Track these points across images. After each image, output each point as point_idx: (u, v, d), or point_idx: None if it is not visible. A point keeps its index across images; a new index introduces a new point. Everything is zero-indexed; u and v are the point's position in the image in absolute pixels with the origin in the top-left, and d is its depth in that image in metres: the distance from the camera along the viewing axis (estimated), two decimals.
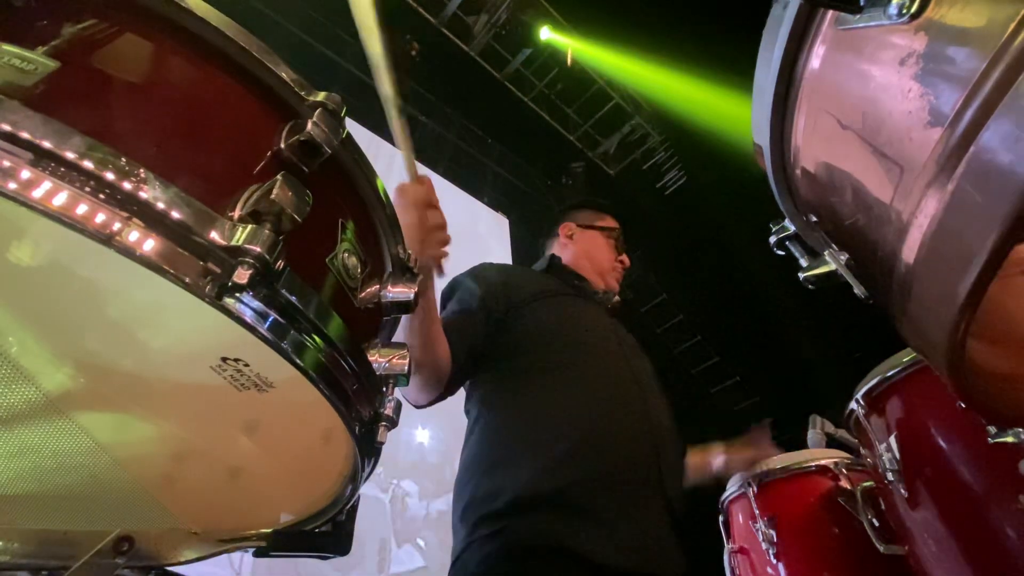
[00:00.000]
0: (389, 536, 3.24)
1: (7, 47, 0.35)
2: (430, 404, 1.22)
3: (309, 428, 0.59)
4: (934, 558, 0.95)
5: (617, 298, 1.66)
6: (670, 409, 1.38)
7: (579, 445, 1.13)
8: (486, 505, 1.08)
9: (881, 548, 1.08)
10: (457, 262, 1.53)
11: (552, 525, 1.02)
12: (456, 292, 1.39)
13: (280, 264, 0.41)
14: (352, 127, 0.49)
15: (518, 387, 1.25)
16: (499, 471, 1.13)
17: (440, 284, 1.42)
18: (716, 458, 1.56)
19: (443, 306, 1.38)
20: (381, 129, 4.68)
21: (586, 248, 1.70)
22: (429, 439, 3.72)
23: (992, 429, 0.78)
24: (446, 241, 1.01)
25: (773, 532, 1.38)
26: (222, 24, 0.44)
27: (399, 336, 0.73)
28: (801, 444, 1.50)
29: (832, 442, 1.41)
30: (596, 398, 1.23)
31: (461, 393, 1.37)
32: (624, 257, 1.73)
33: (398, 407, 0.57)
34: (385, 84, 0.87)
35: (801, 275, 0.48)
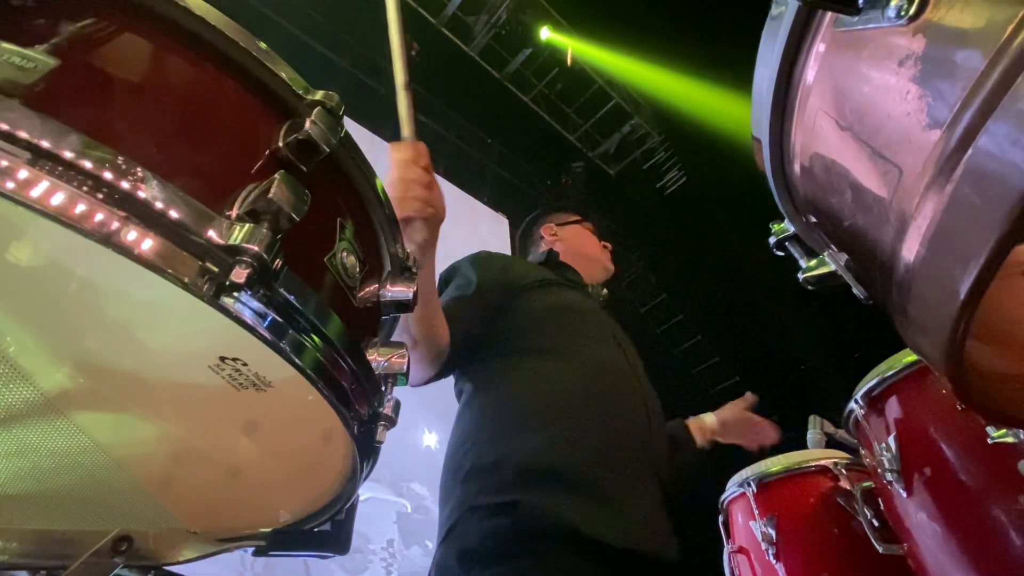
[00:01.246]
0: (396, 538, 3.24)
1: (6, 45, 0.35)
2: (425, 383, 1.23)
3: (308, 427, 0.59)
4: (933, 558, 0.95)
5: (605, 291, 1.72)
6: (657, 398, 1.41)
7: (579, 422, 1.14)
8: (488, 474, 1.08)
9: (880, 548, 1.08)
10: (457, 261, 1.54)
11: (558, 502, 1.02)
12: (455, 277, 1.42)
13: (278, 263, 0.41)
14: (351, 126, 0.49)
15: (516, 366, 1.26)
16: (499, 443, 1.13)
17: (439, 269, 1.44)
18: (708, 420, 1.68)
19: (441, 290, 1.40)
20: (380, 128, 4.68)
21: (574, 241, 1.78)
22: (436, 442, 3.71)
23: (992, 429, 0.78)
24: (424, 197, 0.99)
25: (773, 532, 1.38)
26: (221, 23, 0.44)
27: (398, 333, 0.73)
28: (801, 444, 1.50)
29: (832, 442, 1.41)
30: (593, 379, 1.25)
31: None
32: (606, 242, 1.83)
33: (397, 406, 0.57)
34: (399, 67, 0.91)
35: (801, 276, 0.48)
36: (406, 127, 1.01)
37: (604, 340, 1.39)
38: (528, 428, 1.14)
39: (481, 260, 1.48)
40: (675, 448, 1.50)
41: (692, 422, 1.66)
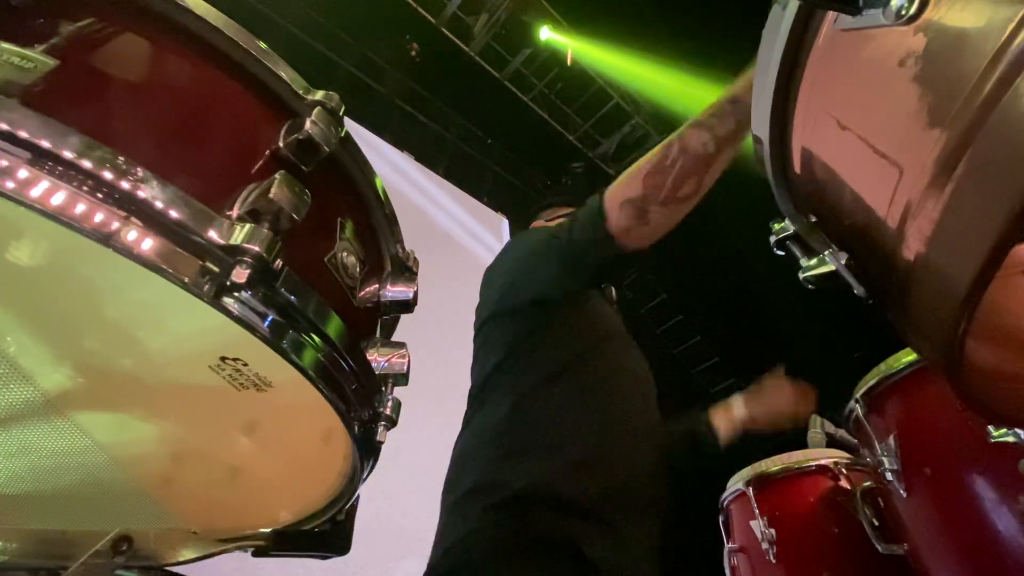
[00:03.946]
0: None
1: (6, 45, 0.35)
2: (638, 249, 1.06)
3: (308, 428, 0.59)
4: (934, 558, 0.95)
5: (615, 295, 1.69)
6: (663, 424, 1.36)
7: (599, 451, 1.11)
8: (499, 492, 1.06)
9: (880, 548, 1.08)
10: (456, 262, 1.54)
11: (569, 528, 1.00)
12: (507, 262, 1.35)
13: (278, 263, 0.41)
14: (351, 126, 0.49)
15: (542, 381, 1.21)
16: (515, 459, 1.09)
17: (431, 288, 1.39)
18: (738, 411, 1.51)
19: (494, 284, 1.33)
20: (380, 129, 4.68)
21: None
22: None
23: (992, 429, 0.78)
24: None
25: (773, 532, 1.38)
26: (221, 23, 0.44)
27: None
28: (801, 444, 1.50)
29: (832, 442, 1.41)
30: (616, 404, 1.19)
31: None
32: None
33: (397, 406, 0.57)
34: None
35: (801, 275, 0.48)
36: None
37: (618, 352, 1.34)
38: (542, 452, 1.08)
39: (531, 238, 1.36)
40: (692, 446, 1.44)
41: (719, 413, 1.50)
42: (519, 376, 1.24)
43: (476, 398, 1.32)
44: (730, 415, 1.50)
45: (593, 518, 1.02)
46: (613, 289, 1.65)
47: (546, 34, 5.63)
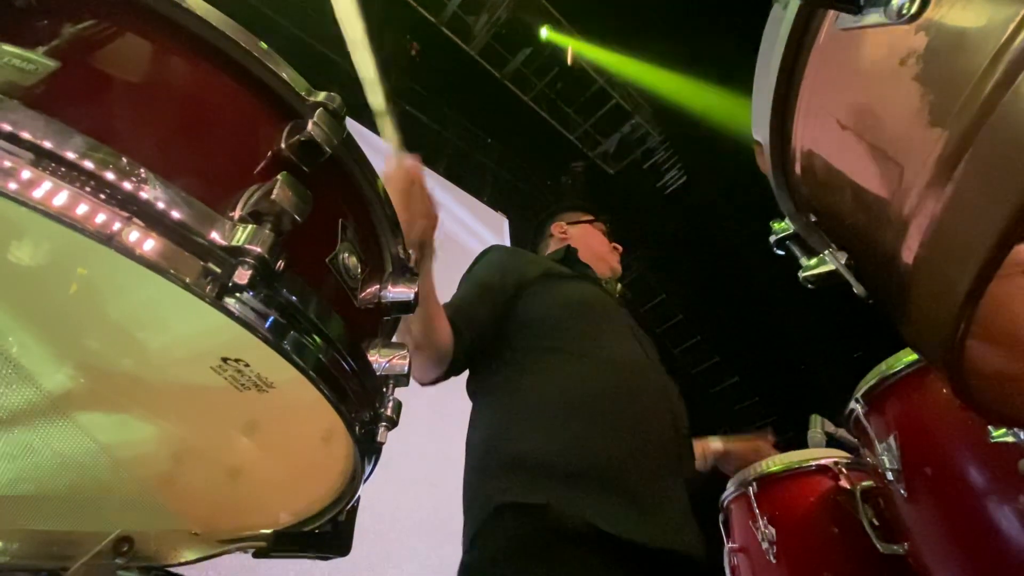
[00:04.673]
0: None
1: (7, 47, 0.35)
2: (434, 383, 1.22)
3: (309, 428, 0.59)
4: (934, 558, 0.95)
5: (620, 286, 1.71)
6: (680, 394, 1.39)
7: (608, 421, 1.12)
8: (514, 471, 1.06)
9: (881, 548, 1.08)
10: (457, 262, 1.54)
11: (588, 504, 0.99)
12: (467, 275, 1.41)
13: (280, 264, 0.41)
14: (352, 127, 0.49)
15: (537, 363, 1.23)
16: (526, 440, 1.10)
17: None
18: (714, 444, 1.65)
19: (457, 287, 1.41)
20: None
21: (583, 239, 1.77)
22: None
23: (992, 429, 0.78)
24: (431, 221, 0.99)
25: (773, 532, 1.38)
26: (222, 24, 0.44)
27: (400, 335, 0.73)
28: (801, 444, 1.50)
29: (832, 442, 1.41)
30: (616, 377, 1.22)
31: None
32: (616, 244, 1.82)
33: (398, 407, 0.57)
34: (377, 95, 0.89)
35: (801, 275, 0.48)
36: (395, 145, 1.00)
37: (624, 336, 1.37)
38: (551, 430, 1.10)
39: (493, 255, 1.47)
40: None
41: (696, 443, 1.62)
42: (513, 355, 1.26)
43: (480, 382, 1.34)
44: (704, 451, 1.65)
45: (613, 490, 1.02)
46: (619, 284, 1.69)
47: (546, 34, 5.64)
